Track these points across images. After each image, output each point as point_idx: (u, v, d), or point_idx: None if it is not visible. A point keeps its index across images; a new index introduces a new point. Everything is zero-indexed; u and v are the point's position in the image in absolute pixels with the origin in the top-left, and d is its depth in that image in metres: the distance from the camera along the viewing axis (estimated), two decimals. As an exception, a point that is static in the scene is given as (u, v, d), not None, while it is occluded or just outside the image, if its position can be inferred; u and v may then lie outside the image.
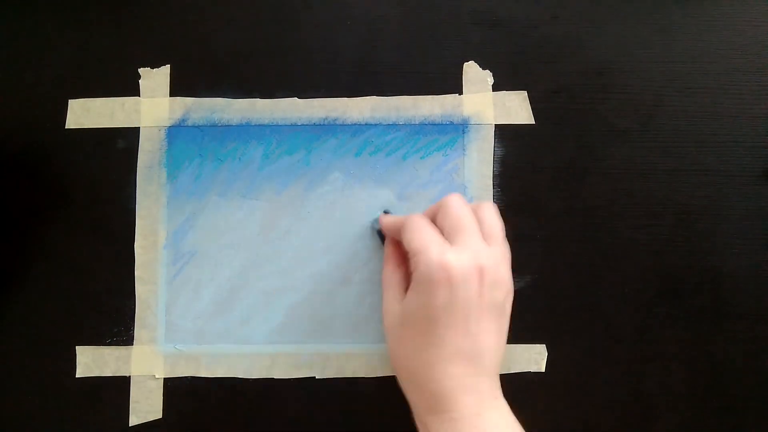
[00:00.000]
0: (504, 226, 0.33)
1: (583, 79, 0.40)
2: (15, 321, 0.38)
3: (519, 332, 0.38)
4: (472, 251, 0.31)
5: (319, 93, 0.39)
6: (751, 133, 0.39)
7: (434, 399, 0.31)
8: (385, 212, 0.38)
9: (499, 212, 0.34)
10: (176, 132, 0.39)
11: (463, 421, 0.30)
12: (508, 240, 0.39)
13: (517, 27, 0.40)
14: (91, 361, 0.38)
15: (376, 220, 0.38)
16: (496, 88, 0.39)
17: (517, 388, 0.35)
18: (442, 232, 0.32)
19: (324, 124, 0.39)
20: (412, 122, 0.39)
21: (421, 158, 0.39)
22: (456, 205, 0.32)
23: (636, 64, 0.40)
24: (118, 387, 0.37)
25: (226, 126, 0.39)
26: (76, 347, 0.38)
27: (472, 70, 0.39)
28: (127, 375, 0.37)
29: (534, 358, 0.38)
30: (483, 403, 0.30)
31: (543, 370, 0.38)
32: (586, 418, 0.38)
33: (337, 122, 0.39)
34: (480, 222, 0.33)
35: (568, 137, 0.39)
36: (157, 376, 0.37)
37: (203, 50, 0.40)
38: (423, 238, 0.32)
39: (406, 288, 0.32)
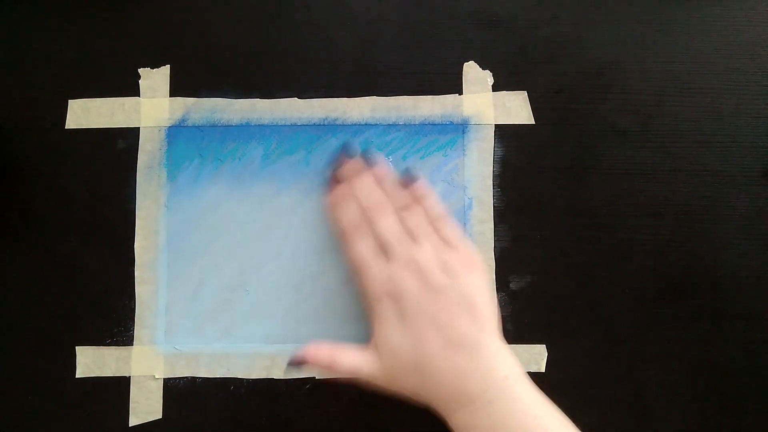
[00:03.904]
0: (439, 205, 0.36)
1: (583, 79, 0.40)
2: (15, 321, 0.38)
3: (519, 332, 0.38)
4: (405, 257, 0.33)
5: (319, 93, 0.39)
6: (751, 133, 0.39)
7: (444, 401, 0.31)
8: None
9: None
10: (176, 132, 0.39)
11: (479, 412, 0.30)
12: (508, 240, 0.39)
13: (517, 27, 0.40)
14: (91, 362, 0.38)
15: None
16: (496, 88, 0.39)
17: (517, 388, 0.35)
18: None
19: (324, 124, 0.39)
20: (412, 122, 0.39)
21: (421, 158, 0.39)
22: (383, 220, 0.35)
23: (636, 64, 0.40)
24: (118, 387, 0.37)
25: (226, 126, 0.39)
26: (76, 347, 0.38)
27: (472, 70, 0.39)
28: (127, 375, 0.37)
29: (534, 358, 0.38)
30: (487, 391, 0.31)
31: (543, 370, 0.38)
32: (586, 418, 0.38)
33: (337, 122, 0.39)
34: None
35: (568, 137, 0.39)
36: (157, 377, 0.37)
37: (203, 50, 0.40)
38: (358, 255, 0.34)
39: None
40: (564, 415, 0.31)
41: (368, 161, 0.37)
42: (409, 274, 0.33)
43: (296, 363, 0.33)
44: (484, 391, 0.30)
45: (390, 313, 0.33)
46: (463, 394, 0.31)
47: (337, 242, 0.38)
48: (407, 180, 0.36)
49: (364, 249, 0.34)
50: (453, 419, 0.31)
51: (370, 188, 0.36)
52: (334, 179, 0.38)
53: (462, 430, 0.31)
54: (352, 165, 0.37)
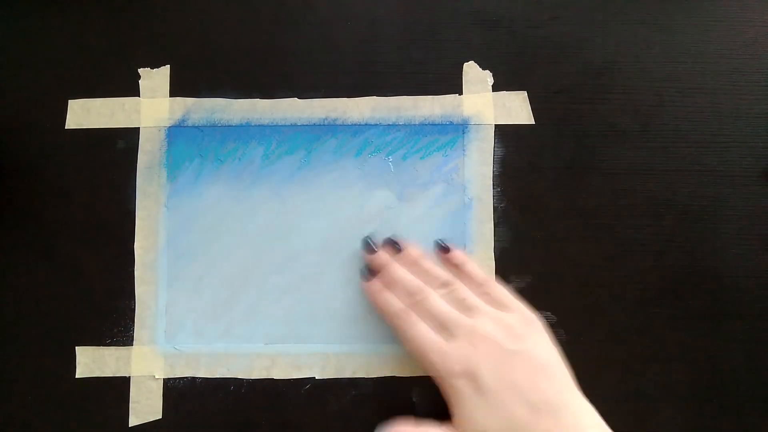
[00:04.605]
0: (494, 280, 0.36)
1: (583, 79, 0.40)
2: (15, 321, 0.38)
3: (519, 332, 0.38)
4: (464, 335, 0.32)
5: (319, 93, 0.39)
6: (751, 133, 0.39)
7: None
8: (368, 242, 0.38)
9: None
10: (176, 132, 0.39)
11: None
12: (508, 240, 0.39)
13: (517, 27, 0.40)
14: (91, 362, 0.38)
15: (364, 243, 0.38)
16: (496, 88, 0.39)
17: (517, 388, 0.35)
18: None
19: (324, 124, 0.39)
20: (412, 122, 0.39)
21: (421, 158, 0.39)
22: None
23: (636, 64, 0.40)
24: (118, 387, 0.37)
25: (226, 126, 0.39)
26: (76, 347, 0.38)
27: (472, 70, 0.39)
28: (127, 375, 0.37)
29: (534, 358, 0.38)
30: None
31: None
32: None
33: (337, 122, 0.39)
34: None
35: (568, 137, 0.39)
36: (157, 377, 0.37)
37: (203, 50, 0.40)
38: (419, 338, 0.33)
39: None
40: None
41: (396, 248, 0.36)
42: (477, 347, 0.32)
43: None
44: None
45: (469, 390, 0.31)
46: None
47: (336, 243, 0.38)
48: (441, 252, 0.36)
49: (423, 330, 0.33)
50: None
51: (414, 263, 0.36)
52: (372, 266, 0.37)
53: None
54: (388, 244, 0.37)
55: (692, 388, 0.38)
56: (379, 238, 0.37)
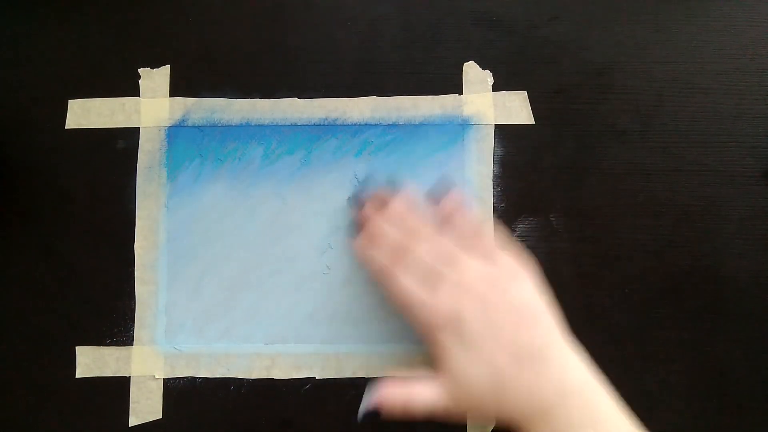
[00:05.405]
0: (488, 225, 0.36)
1: (583, 79, 0.40)
2: (15, 321, 0.38)
3: (519, 332, 0.38)
4: (450, 287, 0.32)
5: (319, 93, 0.39)
6: (751, 133, 0.39)
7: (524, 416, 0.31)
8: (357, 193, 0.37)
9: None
10: (176, 132, 0.39)
11: (559, 422, 0.30)
12: (509, 241, 0.39)
13: (517, 27, 0.40)
14: (91, 362, 0.38)
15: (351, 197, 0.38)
16: (496, 88, 0.39)
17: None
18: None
19: (324, 124, 0.39)
20: (412, 122, 0.39)
21: (421, 158, 0.39)
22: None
23: (636, 64, 0.40)
24: (118, 387, 0.37)
25: (226, 126, 0.39)
26: (76, 347, 0.38)
27: (472, 70, 0.39)
28: (127, 375, 0.37)
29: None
30: (565, 400, 0.30)
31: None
32: (586, 418, 0.38)
33: (337, 122, 0.39)
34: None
35: (568, 137, 0.39)
36: (157, 377, 0.37)
37: (203, 50, 0.40)
38: (403, 290, 0.33)
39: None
40: (637, 422, 0.31)
41: (392, 187, 0.36)
42: (464, 295, 0.32)
43: (370, 412, 0.32)
44: (561, 399, 0.30)
45: (454, 338, 0.32)
46: (541, 407, 0.30)
47: (336, 243, 0.38)
48: (439, 194, 0.36)
49: (407, 282, 0.33)
50: None
51: (399, 217, 0.35)
52: (358, 222, 0.37)
53: None
54: (375, 199, 0.36)
55: (692, 388, 0.38)
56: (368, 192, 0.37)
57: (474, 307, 0.32)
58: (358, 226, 0.37)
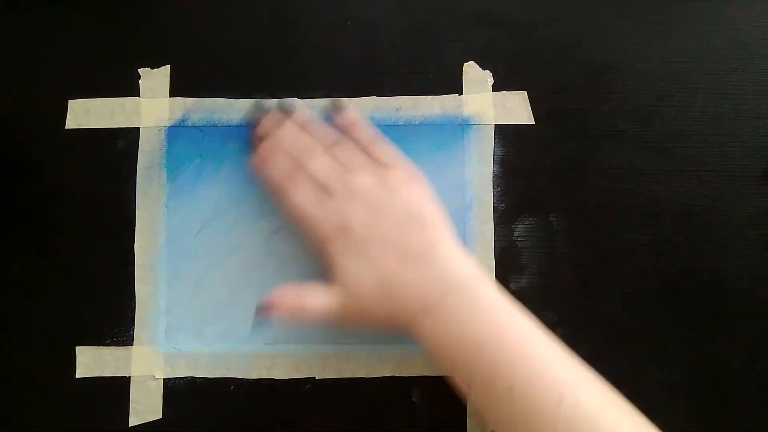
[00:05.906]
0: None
1: (583, 79, 0.40)
2: (15, 321, 0.38)
3: (519, 332, 0.38)
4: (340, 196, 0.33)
5: (319, 93, 0.39)
6: (751, 133, 0.39)
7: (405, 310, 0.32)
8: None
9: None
10: (176, 132, 0.39)
11: (441, 317, 0.31)
12: (508, 240, 0.39)
13: (517, 27, 0.40)
14: (91, 362, 0.38)
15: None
16: (496, 88, 0.39)
17: (517, 388, 0.35)
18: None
19: (324, 124, 0.39)
20: (412, 122, 0.39)
21: (421, 158, 0.39)
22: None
23: (636, 64, 0.40)
24: (118, 387, 0.37)
25: (226, 126, 0.39)
26: (76, 348, 0.38)
27: (472, 70, 0.39)
28: (127, 375, 0.37)
29: (534, 358, 0.38)
30: (448, 294, 0.31)
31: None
32: (586, 418, 0.38)
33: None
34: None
35: (568, 137, 0.39)
36: (157, 377, 0.37)
37: (203, 50, 0.40)
38: (297, 205, 0.34)
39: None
40: (526, 312, 0.31)
41: (286, 110, 0.36)
42: (352, 204, 0.33)
43: (264, 310, 0.33)
44: (444, 294, 0.31)
45: (343, 247, 0.32)
46: (425, 303, 0.31)
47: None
48: (334, 111, 0.36)
49: (301, 197, 0.34)
50: (420, 333, 0.31)
51: (294, 135, 0.36)
52: (256, 139, 0.37)
53: (429, 339, 0.31)
54: (270, 118, 0.37)
55: (692, 388, 0.38)
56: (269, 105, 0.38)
57: (361, 215, 0.32)
58: (253, 145, 0.37)
